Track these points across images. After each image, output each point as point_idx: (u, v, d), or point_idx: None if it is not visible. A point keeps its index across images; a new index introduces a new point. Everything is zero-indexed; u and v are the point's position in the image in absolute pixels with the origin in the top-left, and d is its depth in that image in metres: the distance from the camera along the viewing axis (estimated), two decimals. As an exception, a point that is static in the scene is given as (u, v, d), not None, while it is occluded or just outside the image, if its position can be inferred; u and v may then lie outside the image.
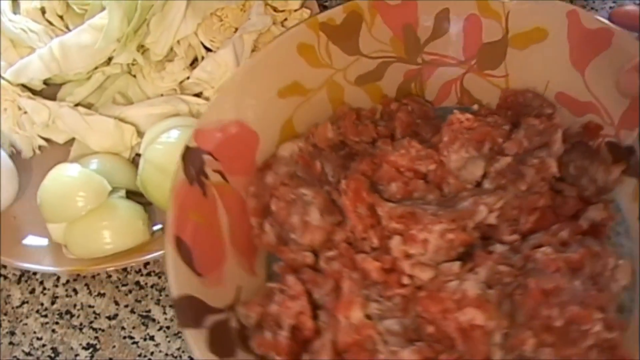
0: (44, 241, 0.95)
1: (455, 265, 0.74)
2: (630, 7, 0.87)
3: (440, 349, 0.71)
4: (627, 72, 0.76)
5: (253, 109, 0.82)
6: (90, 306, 0.94)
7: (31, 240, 0.96)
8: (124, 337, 0.93)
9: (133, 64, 1.04)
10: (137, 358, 0.92)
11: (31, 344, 0.93)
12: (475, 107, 0.87)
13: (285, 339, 0.73)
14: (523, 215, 0.77)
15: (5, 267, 0.97)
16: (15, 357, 0.92)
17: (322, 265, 0.76)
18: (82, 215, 0.90)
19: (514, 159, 0.79)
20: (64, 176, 0.91)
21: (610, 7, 1.10)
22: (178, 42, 1.03)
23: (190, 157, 0.77)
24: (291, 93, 0.84)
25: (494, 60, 0.86)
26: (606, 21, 0.80)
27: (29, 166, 1.03)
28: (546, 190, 0.78)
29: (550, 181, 0.79)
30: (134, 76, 1.05)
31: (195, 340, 0.70)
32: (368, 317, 0.73)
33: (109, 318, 0.94)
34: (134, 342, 0.93)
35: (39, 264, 0.92)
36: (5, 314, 0.95)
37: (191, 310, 0.72)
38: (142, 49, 1.03)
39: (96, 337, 0.92)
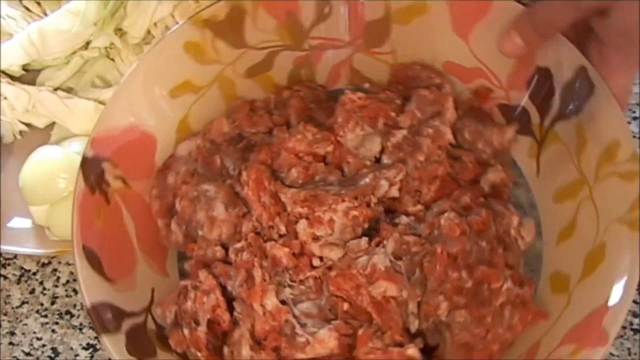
0: (27, 224, 0.95)
1: (363, 241, 0.75)
2: None
3: (357, 325, 0.72)
4: (506, 33, 0.78)
5: (147, 111, 0.81)
6: (90, 306, 0.94)
7: (14, 223, 0.95)
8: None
9: (111, 48, 1.03)
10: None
11: (31, 344, 0.92)
12: (367, 85, 0.88)
13: (204, 334, 0.73)
14: (424, 185, 0.78)
15: (5, 267, 0.97)
16: (15, 357, 0.91)
17: (232, 257, 0.76)
18: (63, 196, 0.89)
19: (409, 131, 0.80)
20: (45, 158, 0.91)
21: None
22: (155, 24, 1.02)
23: (89, 166, 0.76)
24: (183, 92, 0.83)
25: (380, 38, 0.87)
26: (484, -13, 0.81)
27: (10, 151, 1.01)
28: (444, 158, 0.79)
29: (447, 149, 0.81)
30: (112, 59, 1.04)
31: (113, 345, 0.70)
32: (283, 302, 0.73)
33: (108, 318, 0.93)
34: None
35: (22, 246, 0.92)
36: (5, 314, 0.93)
37: (107, 317, 0.72)
38: (119, 32, 1.02)
39: (96, 337, 0.91)
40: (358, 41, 0.87)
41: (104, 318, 0.71)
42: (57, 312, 0.93)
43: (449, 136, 0.80)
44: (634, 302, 0.80)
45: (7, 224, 0.95)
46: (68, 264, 0.96)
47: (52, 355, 0.91)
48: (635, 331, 0.86)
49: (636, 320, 0.86)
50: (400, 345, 0.70)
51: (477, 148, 0.82)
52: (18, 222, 0.95)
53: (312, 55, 0.88)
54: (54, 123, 1.01)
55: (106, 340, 0.70)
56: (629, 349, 0.85)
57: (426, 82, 0.85)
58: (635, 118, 0.97)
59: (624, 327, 0.85)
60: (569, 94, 0.78)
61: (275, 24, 0.85)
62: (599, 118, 0.75)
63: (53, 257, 0.96)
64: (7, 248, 0.91)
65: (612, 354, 0.85)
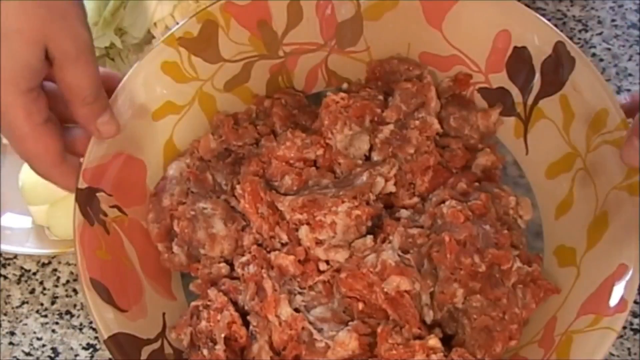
0: (27, 224, 0.96)
1: (368, 240, 0.75)
2: None
3: (374, 323, 0.72)
4: (628, 141, 0.68)
5: (132, 137, 0.80)
6: (90, 306, 0.94)
7: (14, 223, 0.97)
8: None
9: (111, 48, 1.03)
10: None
11: (31, 344, 0.91)
12: (345, 85, 0.88)
13: (223, 352, 0.72)
14: (417, 177, 0.79)
15: (5, 267, 0.96)
16: (15, 357, 0.91)
17: (239, 271, 0.76)
18: (63, 196, 0.90)
19: (395, 126, 0.81)
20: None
21: (610, 7, 1.11)
22: (155, 24, 1.01)
23: (84, 198, 0.75)
24: (165, 113, 0.82)
25: (353, 37, 0.87)
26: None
27: (11, 151, 0.97)
28: (433, 148, 0.80)
29: (435, 139, 0.81)
30: (112, 59, 1.04)
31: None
32: (296, 310, 0.73)
33: (108, 318, 0.93)
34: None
35: (22, 246, 0.94)
36: (5, 314, 0.93)
37: (125, 347, 0.71)
38: (119, 32, 1.01)
39: (96, 337, 0.91)
40: (331, 42, 0.87)
41: (123, 349, 0.70)
42: (57, 312, 0.93)
43: (437, 126, 0.81)
44: (635, 302, 0.80)
45: (7, 223, 0.96)
46: (68, 264, 0.96)
47: (52, 355, 0.91)
48: (635, 331, 0.87)
49: (636, 320, 0.88)
50: (420, 337, 0.70)
51: (464, 134, 0.83)
52: (18, 222, 0.97)
53: (288, 62, 0.88)
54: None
55: (129, 371, 0.69)
56: (629, 349, 0.86)
57: (406, 75, 0.86)
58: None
59: (624, 327, 0.85)
60: (549, 71, 0.79)
61: (249, 34, 0.84)
62: (583, 90, 0.76)
63: (53, 257, 0.96)
64: (7, 248, 0.93)
65: (612, 354, 0.86)
